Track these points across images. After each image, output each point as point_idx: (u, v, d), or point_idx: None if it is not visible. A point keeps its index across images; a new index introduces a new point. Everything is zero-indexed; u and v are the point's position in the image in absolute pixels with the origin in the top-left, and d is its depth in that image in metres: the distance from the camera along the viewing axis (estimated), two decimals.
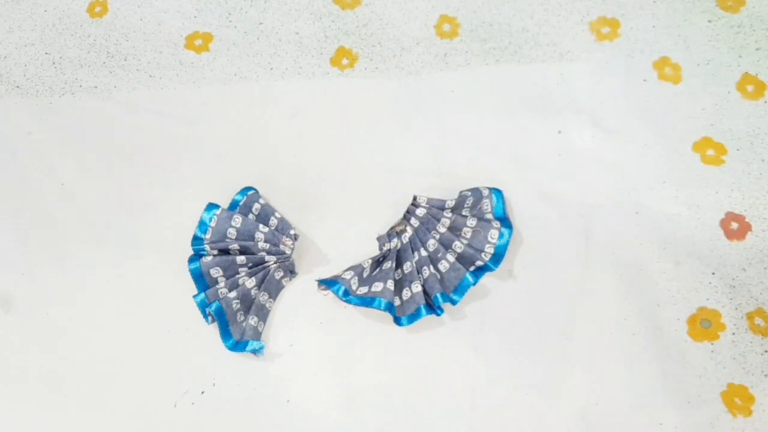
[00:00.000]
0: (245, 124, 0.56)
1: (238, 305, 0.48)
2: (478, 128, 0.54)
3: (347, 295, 0.48)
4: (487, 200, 0.50)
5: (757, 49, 0.54)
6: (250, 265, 0.50)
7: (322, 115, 0.55)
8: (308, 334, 0.49)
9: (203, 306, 0.49)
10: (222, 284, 0.49)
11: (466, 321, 0.49)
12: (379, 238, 0.51)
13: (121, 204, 0.54)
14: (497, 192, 0.51)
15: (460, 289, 0.48)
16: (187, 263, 0.50)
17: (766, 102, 0.53)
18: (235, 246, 0.50)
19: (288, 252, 0.50)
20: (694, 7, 0.56)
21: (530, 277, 0.50)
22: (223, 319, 0.48)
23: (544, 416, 0.46)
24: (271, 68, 0.57)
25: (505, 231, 0.49)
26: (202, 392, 0.48)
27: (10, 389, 0.50)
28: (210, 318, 0.48)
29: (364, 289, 0.48)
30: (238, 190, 0.51)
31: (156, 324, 0.50)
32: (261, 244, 0.49)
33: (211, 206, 0.50)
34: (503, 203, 0.51)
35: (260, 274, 0.49)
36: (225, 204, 0.52)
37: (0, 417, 0.49)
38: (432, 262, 0.49)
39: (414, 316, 0.47)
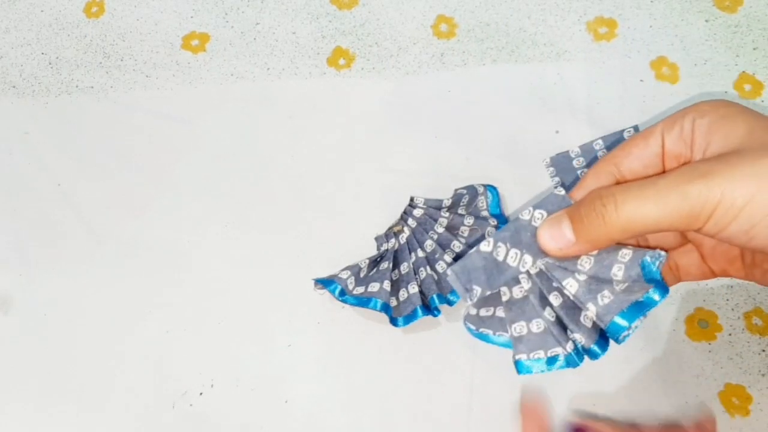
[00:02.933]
0: (242, 125, 0.56)
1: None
2: (475, 128, 0.54)
3: (343, 295, 0.48)
4: (482, 197, 0.50)
5: (754, 49, 0.54)
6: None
7: (318, 116, 0.55)
8: (306, 334, 0.49)
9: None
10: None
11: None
12: (377, 239, 0.51)
13: (118, 204, 0.54)
14: (492, 189, 0.51)
15: None
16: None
17: (763, 101, 0.53)
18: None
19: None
20: (692, 7, 0.56)
21: None
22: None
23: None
24: (268, 68, 0.57)
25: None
26: (201, 393, 0.48)
27: (9, 390, 0.49)
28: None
29: (360, 289, 0.48)
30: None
31: (154, 325, 0.50)
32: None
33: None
34: (498, 200, 0.51)
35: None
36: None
37: None
38: (429, 262, 0.49)
39: (410, 317, 0.47)
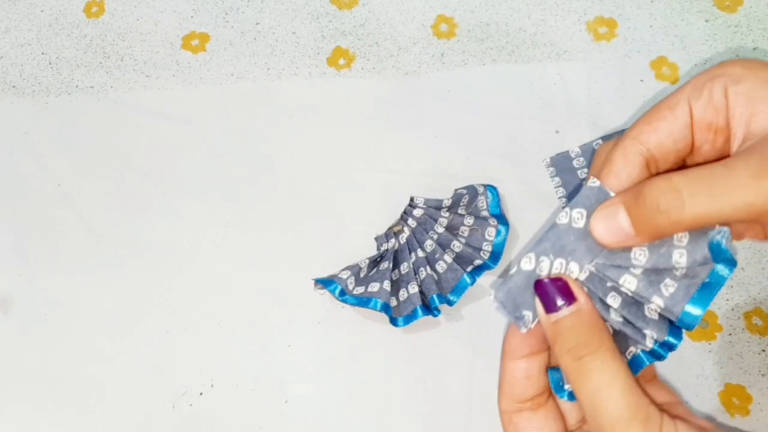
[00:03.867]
0: (242, 125, 0.56)
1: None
2: (476, 128, 0.54)
3: (343, 295, 0.48)
4: (483, 197, 0.50)
5: (754, 49, 0.55)
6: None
7: (319, 116, 0.55)
8: (306, 334, 0.49)
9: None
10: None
11: (464, 321, 0.49)
12: (377, 239, 0.51)
13: (118, 204, 0.54)
14: (492, 189, 0.51)
15: (458, 290, 0.48)
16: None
17: None
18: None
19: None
20: (692, 7, 0.56)
21: None
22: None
23: None
24: (268, 68, 0.57)
25: (502, 228, 0.49)
26: (201, 393, 0.48)
27: (8, 390, 0.49)
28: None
29: (360, 289, 0.48)
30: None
31: (154, 325, 0.50)
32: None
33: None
34: (498, 200, 0.51)
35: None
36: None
37: None
38: (429, 262, 0.49)
39: (410, 317, 0.47)
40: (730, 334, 0.47)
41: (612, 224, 0.30)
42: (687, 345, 0.47)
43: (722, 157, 0.30)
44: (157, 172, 0.55)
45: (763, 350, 0.47)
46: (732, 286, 0.48)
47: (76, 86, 0.58)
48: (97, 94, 0.58)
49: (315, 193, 0.53)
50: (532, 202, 0.51)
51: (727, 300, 0.48)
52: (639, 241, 0.30)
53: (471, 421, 0.46)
